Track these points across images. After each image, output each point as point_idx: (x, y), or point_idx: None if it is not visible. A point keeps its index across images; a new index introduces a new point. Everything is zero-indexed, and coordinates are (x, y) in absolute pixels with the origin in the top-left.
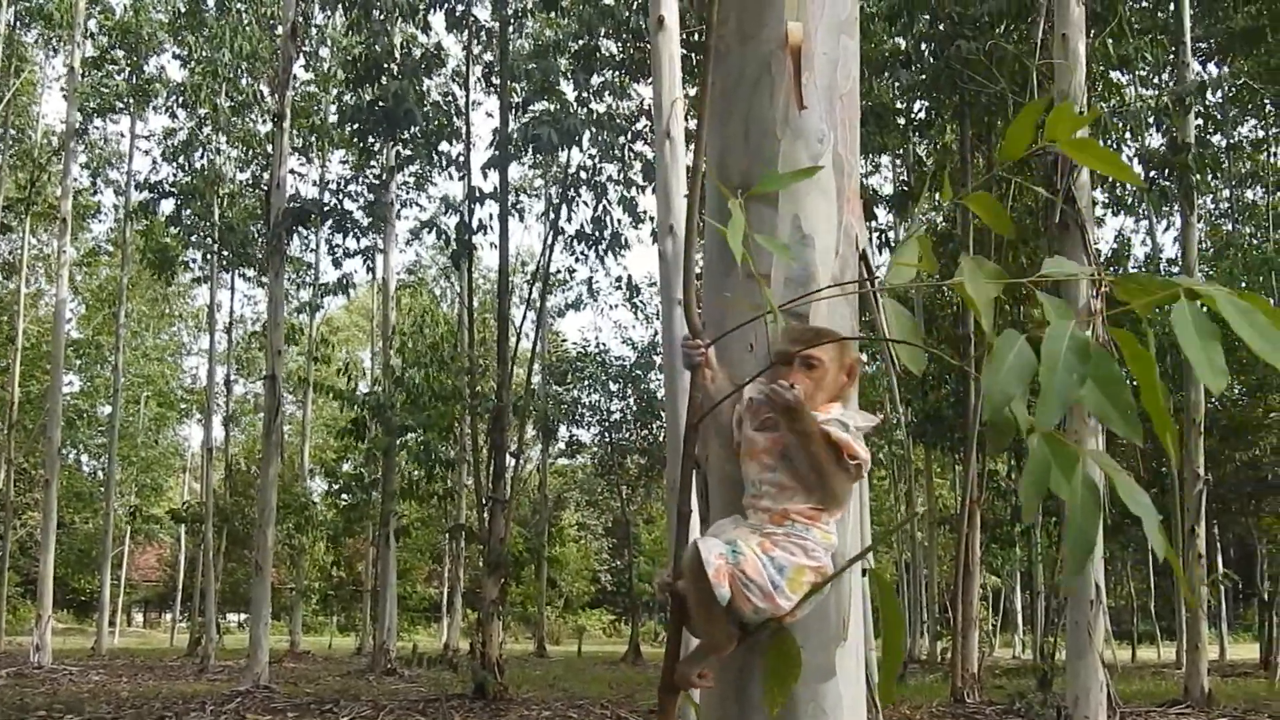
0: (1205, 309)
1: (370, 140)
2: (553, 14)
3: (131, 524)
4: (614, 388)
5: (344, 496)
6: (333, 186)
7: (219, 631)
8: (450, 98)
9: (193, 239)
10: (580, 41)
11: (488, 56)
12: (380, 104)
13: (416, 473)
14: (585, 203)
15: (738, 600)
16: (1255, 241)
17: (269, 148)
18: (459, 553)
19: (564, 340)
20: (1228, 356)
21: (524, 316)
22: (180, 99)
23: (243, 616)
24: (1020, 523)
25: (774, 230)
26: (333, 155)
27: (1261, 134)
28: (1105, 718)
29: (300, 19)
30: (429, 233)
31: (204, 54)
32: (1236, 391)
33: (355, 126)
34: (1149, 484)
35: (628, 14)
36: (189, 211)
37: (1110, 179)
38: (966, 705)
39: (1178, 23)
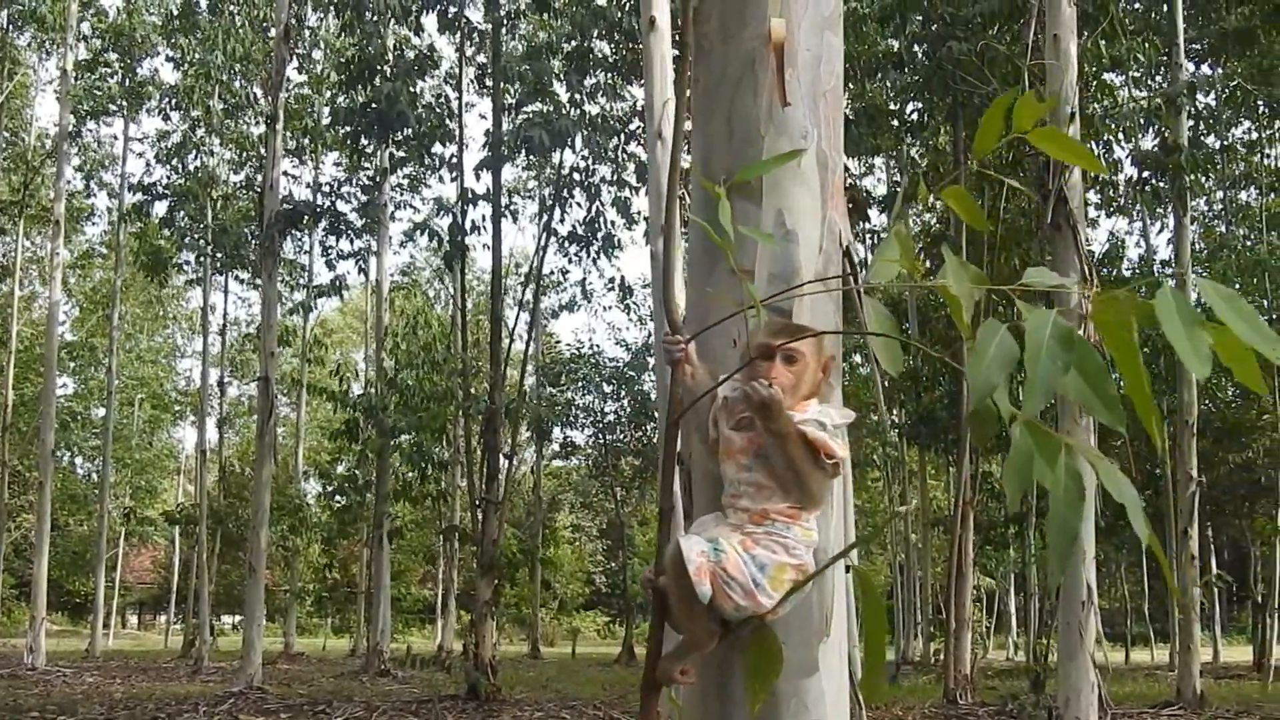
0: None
1: (363, 142)
2: (545, 16)
3: (126, 526)
4: (608, 389)
5: (338, 498)
6: (326, 188)
7: (213, 633)
8: (443, 100)
9: (186, 241)
10: (573, 43)
11: (480, 58)
12: (373, 106)
13: (410, 474)
14: (578, 204)
15: (719, 598)
16: (1249, 243)
17: (262, 150)
18: (453, 554)
19: (557, 342)
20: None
21: (517, 318)
22: (173, 101)
23: (237, 618)
24: (1013, 524)
25: (758, 225)
26: (326, 157)
27: (1255, 135)
28: (1096, 718)
29: (293, 21)
30: (422, 234)
31: (197, 56)
32: (1230, 393)
33: (348, 128)
34: (1142, 486)
35: (620, 15)
36: (182, 214)
37: (1102, 179)
38: (959, 706)
39: (1170, 23)
